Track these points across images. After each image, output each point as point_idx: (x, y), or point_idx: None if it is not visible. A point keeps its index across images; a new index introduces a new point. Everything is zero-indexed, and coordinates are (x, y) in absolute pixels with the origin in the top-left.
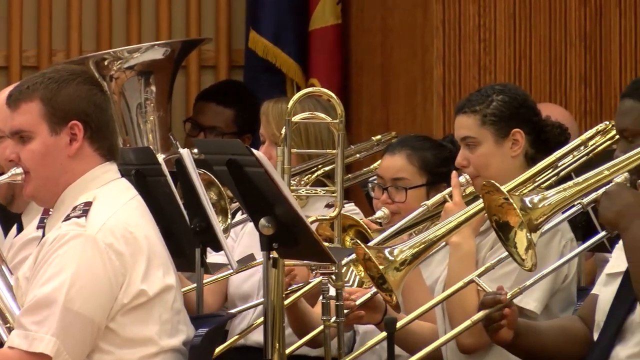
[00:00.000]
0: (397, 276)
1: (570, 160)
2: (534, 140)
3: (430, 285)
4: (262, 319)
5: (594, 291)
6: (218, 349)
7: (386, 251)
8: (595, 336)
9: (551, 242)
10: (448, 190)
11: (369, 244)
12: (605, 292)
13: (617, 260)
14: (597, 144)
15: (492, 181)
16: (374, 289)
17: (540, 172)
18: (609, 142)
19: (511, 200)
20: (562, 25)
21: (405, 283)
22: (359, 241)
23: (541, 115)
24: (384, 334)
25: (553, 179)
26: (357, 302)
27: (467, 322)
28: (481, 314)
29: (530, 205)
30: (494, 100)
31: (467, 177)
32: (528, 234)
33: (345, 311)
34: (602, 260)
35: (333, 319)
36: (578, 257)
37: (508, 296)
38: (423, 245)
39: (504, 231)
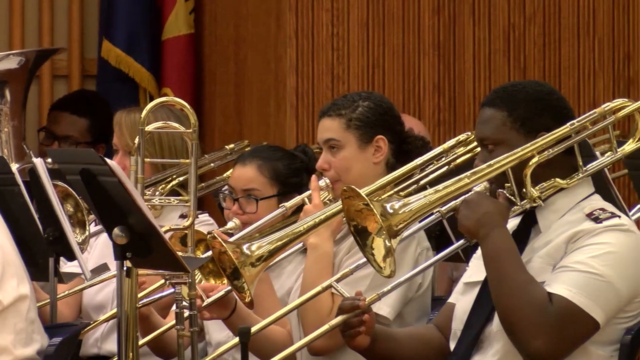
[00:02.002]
0: (253, 272)
1: (430, 169)
2: (396, 149)
3: (282, 296)
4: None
5: (450, 300)
6: None
7: (244, 246)
8: (452, 345)
9: (407, 250)
10: (307, 193)
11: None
12: (462, 301)
13: (475, 270)
14: (458, 154)
15: (353, 186)
16: (228, 287)
17: (399, 178)
18: (470, 155)
19: (371, 206)
20: (416, 34)
21: (256, 294)
22: (216, 234)
23: (405, 127)
24: (237, 340)
25: (413, 187)
26: (204, 303)
27: (325, 327)
28: (339, 319)
29: (390, 211)
30: (360, 106)
31: (327, 181)
32: (387, 241)
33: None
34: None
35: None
36: (433, 267)
37: (366, 302)
38: (281, 242)
39: (362, 237)
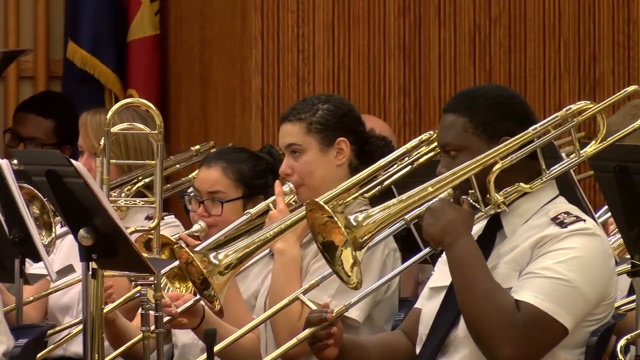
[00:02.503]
0: (221, 280)
1: (394, 170)
2: (358, 151)
3: (248, 299)
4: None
5: (417, 305)
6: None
7: (211, 255)
8: (419, 350)
9: (375, 252)
10: (272, 198)
11: (194, 249)
12: (429, 305)
13: (441, 274)
14: (421, 153)
15: (316, 200)
16: (197, 296)
17: (363, 180)
18: (432, 153)
19: (335, 219)
20: (381, 35)
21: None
22: (182, 244)
23: (366, 127)
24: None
25: (377, 188)
26: (179, 310)
27: (293, 341)
28: (307, 332)
29: (354, 223)
30: (320, 109)
31: (291, 185)
32: (353, 252)
33: (167, 318)
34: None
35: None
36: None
37: (334, 314)
38: (248, 249)
39: (329, 250)
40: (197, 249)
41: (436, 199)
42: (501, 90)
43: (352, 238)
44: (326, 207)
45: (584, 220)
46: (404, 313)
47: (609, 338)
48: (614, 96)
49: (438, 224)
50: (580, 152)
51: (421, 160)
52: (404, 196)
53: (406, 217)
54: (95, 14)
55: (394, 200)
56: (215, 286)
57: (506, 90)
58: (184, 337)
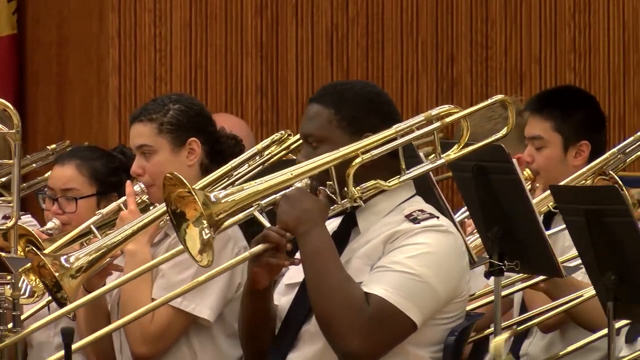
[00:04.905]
0: (73, 283)
1: (245, 170)
2: (209, 150)
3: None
4: None
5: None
6: None
7: (62, 258)
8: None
9: (224, 249)
10: (123, 199)
11: (45, 252)
12: (283, 301)
13: (296, 271)
14: (272, 153)
15: (178, 174)
16: (48, 298)
17: (215, 181)
18: (284, 152)
19: (193, 194)
20: (238, 34)
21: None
22: (34, 248)
23: (216, 126)
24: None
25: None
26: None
27: (245, 255)
28: (261, 247)
29: (213, 200)
30: (171, 109)
31: (142, 186)
32: (206, 230)
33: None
34: None
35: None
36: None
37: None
38: (99, 252)
39: (178, 221)
40: (50, 248)
41: (293, 187)
42: (369, 87)
43: (208, 214)
44: (186, 182)
45: (438, 217)
46: None
47: (465, 339)
48: (481, 104)
49: (293, 212)
50: (442, 155)
51: (272, 160)
52: (262, 179)
53: (262, 202)
54: None
55: (252, 183)
56: (67, 289)
57: (374, 87)
58: (39, 335)
